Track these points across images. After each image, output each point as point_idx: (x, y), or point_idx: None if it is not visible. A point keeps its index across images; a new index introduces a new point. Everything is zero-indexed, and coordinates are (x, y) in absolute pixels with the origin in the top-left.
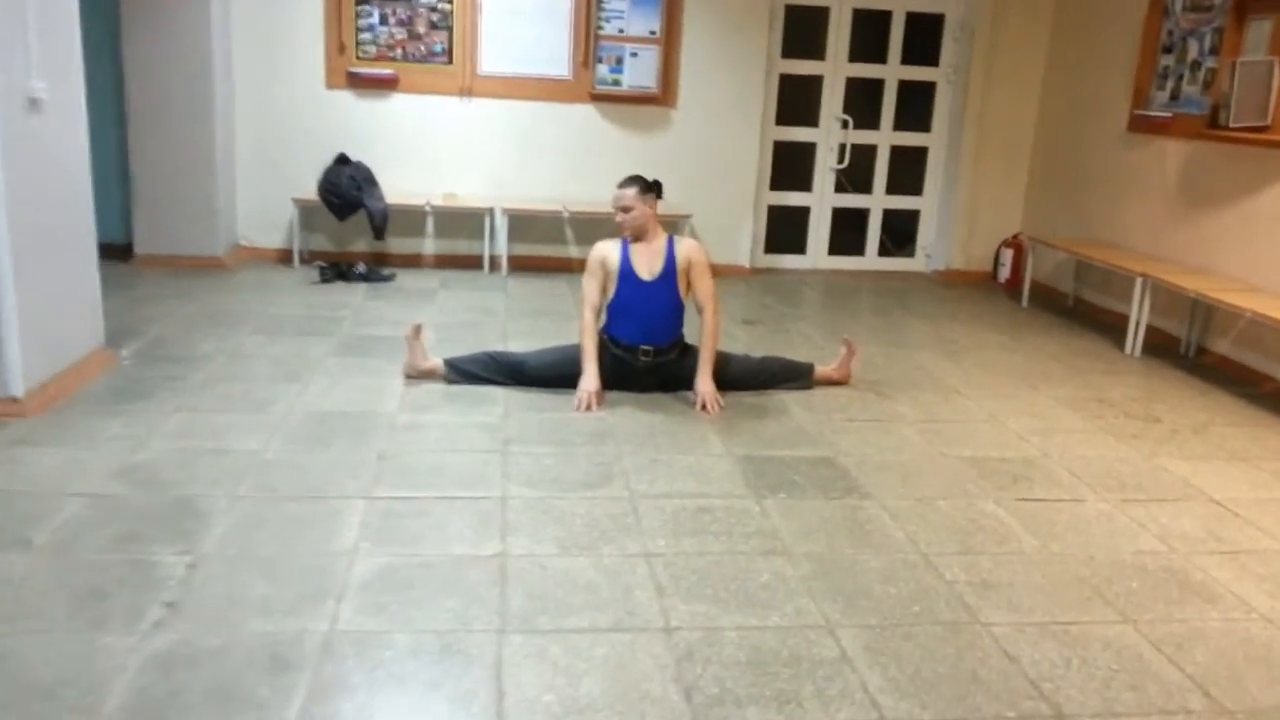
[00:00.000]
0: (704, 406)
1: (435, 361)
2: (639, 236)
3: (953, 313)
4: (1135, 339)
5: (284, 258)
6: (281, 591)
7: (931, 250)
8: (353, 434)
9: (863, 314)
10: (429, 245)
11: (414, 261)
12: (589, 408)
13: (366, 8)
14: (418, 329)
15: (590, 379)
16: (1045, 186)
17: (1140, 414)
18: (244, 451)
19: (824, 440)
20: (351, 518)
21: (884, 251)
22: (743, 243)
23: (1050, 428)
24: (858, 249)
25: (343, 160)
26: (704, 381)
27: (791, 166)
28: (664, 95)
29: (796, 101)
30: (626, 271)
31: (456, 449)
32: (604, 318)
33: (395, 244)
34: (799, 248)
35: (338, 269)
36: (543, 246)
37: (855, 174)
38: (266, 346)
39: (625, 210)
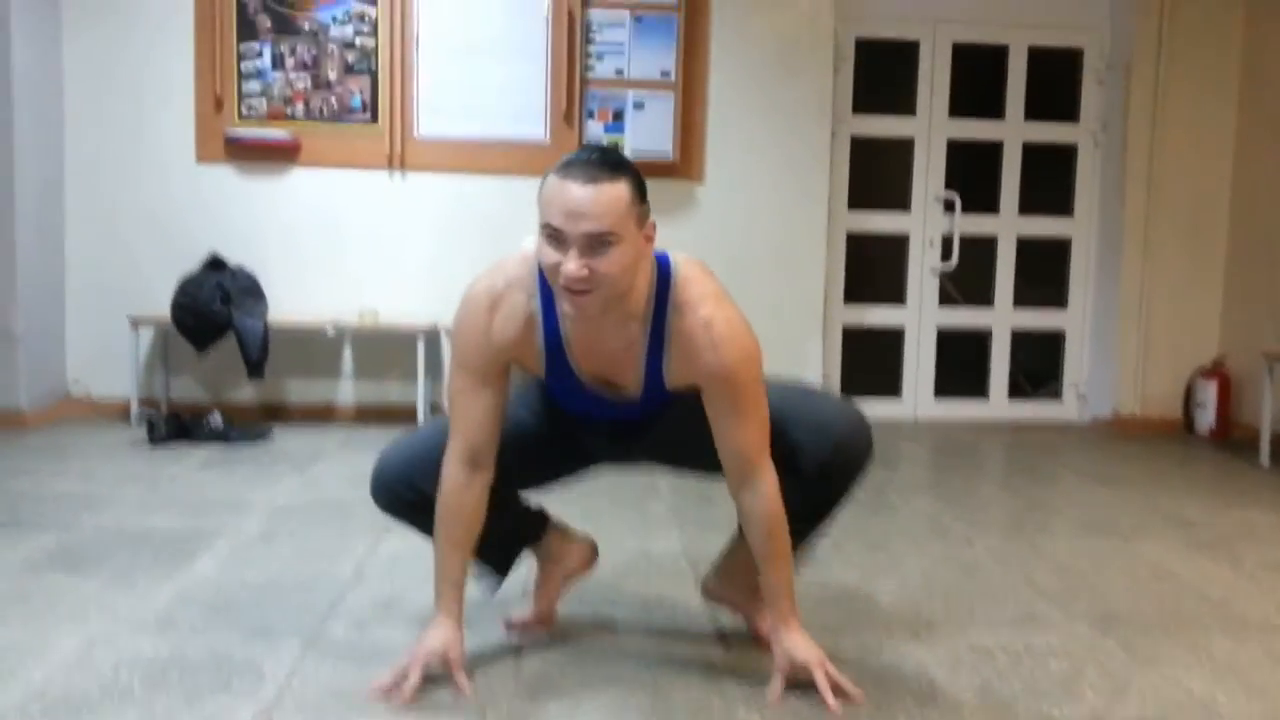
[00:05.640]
0: (832, 689)
1: None
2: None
3: (1168, 508)
4: None
5: (128, 414)
6: None
7: (1087, 388)
8: None
9: (1014, 521)
10: (345, 390)
11: (323, 415)
12: (415, 689)
13: (253, 45)
14: None
15: (442, 633)
16: (1259, 285)
17: None
18: None
19: None
20: None
21: (1016, 391)
22: (807, 381)
23: None
24: (978, 388)
25: (215, 265)
26: (795, 636)
27: (874, 268)
28: (684, 164)
29: (877, 174)
30: (560, 373)
31: None
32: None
33: (297, 389)
34: (891, 388)
35: (178, 422)
36: None
37: (967, 278)
38: None
39: (596, 244)
